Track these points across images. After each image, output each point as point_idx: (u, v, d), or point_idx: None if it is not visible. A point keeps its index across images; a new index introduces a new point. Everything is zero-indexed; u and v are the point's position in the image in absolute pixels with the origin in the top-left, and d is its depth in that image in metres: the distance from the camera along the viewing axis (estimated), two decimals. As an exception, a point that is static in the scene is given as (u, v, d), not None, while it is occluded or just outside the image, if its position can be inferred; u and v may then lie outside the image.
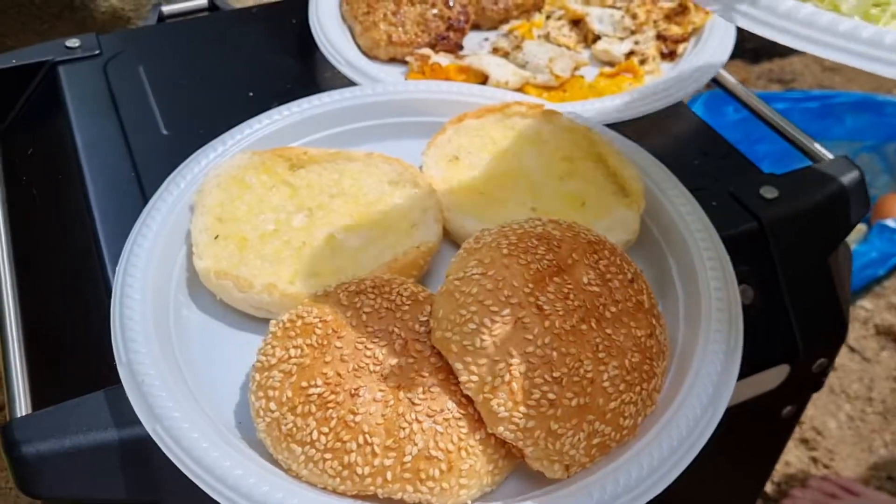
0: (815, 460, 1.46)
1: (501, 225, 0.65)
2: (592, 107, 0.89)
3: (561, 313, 0.59)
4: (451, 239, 0.77)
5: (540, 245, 0.62)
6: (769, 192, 0.83)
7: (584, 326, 0.60)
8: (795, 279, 0.81)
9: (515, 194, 0.78)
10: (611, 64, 1.02)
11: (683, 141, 0.90)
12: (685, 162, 0.86)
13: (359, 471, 0.57)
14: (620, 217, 0.75)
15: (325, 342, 0.60)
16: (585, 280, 0.62)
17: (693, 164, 0.88)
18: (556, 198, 0.77)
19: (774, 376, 0.84)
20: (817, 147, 0.94)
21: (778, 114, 0.98)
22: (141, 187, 0.83)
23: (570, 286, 0.61)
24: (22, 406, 0.66)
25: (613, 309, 0.62)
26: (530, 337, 0.58)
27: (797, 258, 0.82)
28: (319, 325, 0.61)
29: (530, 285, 0.60)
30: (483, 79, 0.96)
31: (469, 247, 0.64)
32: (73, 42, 1.01)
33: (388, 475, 0.57)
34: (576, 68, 1.00)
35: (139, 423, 0.60)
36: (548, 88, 0.97)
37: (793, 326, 0.81)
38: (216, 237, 0.71)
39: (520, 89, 0.95)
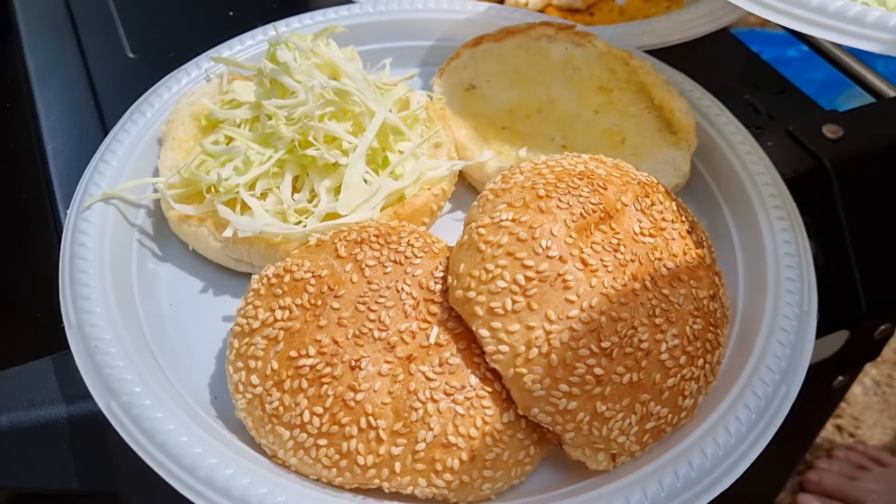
0: (840, 428, 1.38)
1: (534, 162, 0.54)
2: (626, 31, 0.77)
3: (610, 269, 0.48)
4: (466, 181, 0.66)
5: (583, 185, 0.51)
6: (833, 131, 0.72)
7: (636, 285, 0.49)
8: (862, 231, 0.70)
9: (543, 129, 0.66)
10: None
11: (731, 73, 0.78)
12: (734, 97, 0.74)
13: (360, 460, 0.46)
14: (668, 157, 0.64)
15: (320, 302, 0.49)
16: (637, 229, 0.51)
17: (743, 98, 0.76)
18: (591, 134, 0.66)
19: (831, 344, 0.74)
20: (878, 82, 0.83)
21: (837, 45, 0.86)
22: (101, 118, 0.72)
23: (619, 236, 0.50)
24: (-49, 375, 0.55)
25: (670, 265, 0.51)
26: (573, 298, 0.47)
27: (865, 207, 0.71)
28: (312, 280, 0.50)
29: (573, 234, 0.48)
30: (500, -1, 0.84)
31: (495, 187, 0.52)
32: (25, -49, 0.88)
33: (397, 466, 0.46)
34: (605, -11, 0.87)
35: (92, 397, 0.49)
36: (572, 11, 0.85)
37: (857, 286, 0.71)
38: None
39: (541, 11, 0.83)
